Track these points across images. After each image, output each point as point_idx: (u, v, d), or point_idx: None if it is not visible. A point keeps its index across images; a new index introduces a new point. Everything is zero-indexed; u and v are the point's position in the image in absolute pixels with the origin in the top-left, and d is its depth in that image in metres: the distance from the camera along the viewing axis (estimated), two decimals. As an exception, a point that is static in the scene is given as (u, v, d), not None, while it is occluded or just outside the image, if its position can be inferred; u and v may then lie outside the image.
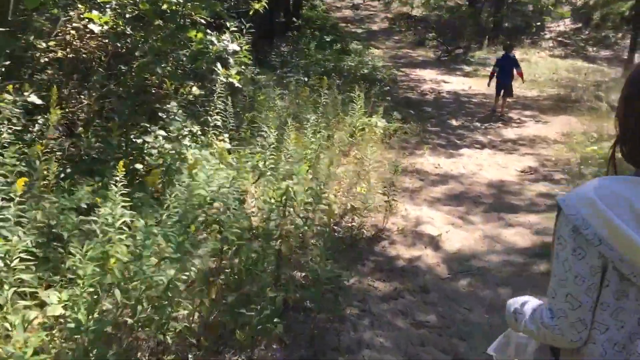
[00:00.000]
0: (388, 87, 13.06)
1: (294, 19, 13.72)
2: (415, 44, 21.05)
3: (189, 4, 5.36)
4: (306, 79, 11.64)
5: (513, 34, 21.94)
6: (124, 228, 3.16)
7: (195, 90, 6.24)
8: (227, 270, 3.73)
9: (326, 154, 6.59)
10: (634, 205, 1.16)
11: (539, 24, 21.53)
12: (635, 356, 1.22)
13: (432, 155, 8.09)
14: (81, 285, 2.83)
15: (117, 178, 3.16)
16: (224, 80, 5.96)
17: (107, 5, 5.24)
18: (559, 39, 22.26)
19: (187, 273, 3.19)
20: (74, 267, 2.97)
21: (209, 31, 5.77)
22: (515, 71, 11.09)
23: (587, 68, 18.45)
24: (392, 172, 6.01)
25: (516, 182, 7.11)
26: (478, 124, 10.44)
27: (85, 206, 3.82)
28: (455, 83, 15.16)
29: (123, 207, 3.25)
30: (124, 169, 3.23)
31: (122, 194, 3.20)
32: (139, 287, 2.96)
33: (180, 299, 3.10)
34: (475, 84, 15.23)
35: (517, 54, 20.13)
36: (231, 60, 5.26)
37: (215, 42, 5.01)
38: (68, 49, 5.73)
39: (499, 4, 20.49)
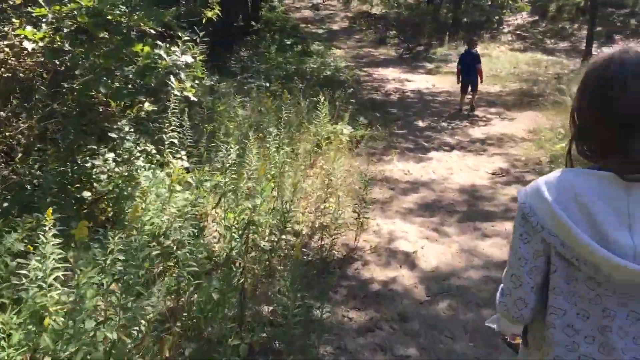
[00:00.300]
0: (352, 89, 12.74)
1: (253, 22, 13.22)
2: (376, 43, 20.81)
3: (135, 15, 4.90)
4: (268, 84, 11.23)
5: (472, 29, 21.88)
6: (57, 285, 2.71)
7: (147, 106, 5.78)
8: (184, 314, 3.31)
9: (292, 168, 6.22)
10: (579, 196, 1.20)
11: (497, 18, 21.52)
12: (616, 353, 1.21)
13: (401, 161, 7.77)
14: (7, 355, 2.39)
15: (50, 220, 2.72)
16: (179, 94, 5.53)
17: (43, 20, 4.75)
18: (518, 32, 22.29)
19: (135, 328, 2.77)
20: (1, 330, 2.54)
21: (159, 43, 5.32)
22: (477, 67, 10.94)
23: (546, 60, 18.47)
24: (361, 184, 5.66)
25: (488, 185, 6.84)
26: (445, 124, 10.18)
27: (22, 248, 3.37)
28: (418, 81, 14.93)
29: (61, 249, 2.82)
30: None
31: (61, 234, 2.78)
32: (77, 350, 2.53)
33: (128, 361, 2.68)
34: (439, 82, 15.03)
35: (478, 49, 20.12)
36: (182, 75, 4.80)
37: (165, 55, 4.55)
38: (3, 68, 5.21)
39: (458, 0, 20.38)
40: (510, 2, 11.34)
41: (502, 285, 1.46)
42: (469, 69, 10.82)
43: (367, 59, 18.42)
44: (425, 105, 11.89)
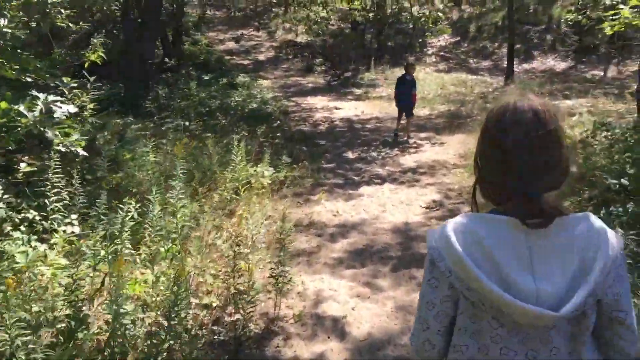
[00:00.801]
0: (279, 122, 12.10)
1: (166, 60, 12.34)
2: (304, 71, 20.35)
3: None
4: (187, 123, 10.42)
5: (397, 53, 21.83)
6: None
7: (25, 167, 4.90)
8: None
9: (203, 223, 5.46)
10: (483, 241, 1.22)
11: (420, 41, 21.55)
12: None
13: (330, 200, 7.12)
14: None
15: None
16: (63, 149, 4.68)
17: None
18: (441, 53, 22.40)
19: None
20: None
21: (36, 94, 4.48)
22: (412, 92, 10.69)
23: (471, 80, 18.50)
24: (284, 234, 4.95)
25: (423, 222, 6.27)
26: (375, 154, 9.65)
27: None
28: (347, 109, 14.48)
29: None
30: None
31: None
32: None
33: None
34: (368, 107, 14.63)
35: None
36: (50, 133, 3.98)
37: (25, 112, 3.73)
38: None
39: (381, 25, 20.25)
40: (431, 25, 11.06)
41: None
42: (405, 94, 10.52)
43: (295, 88, 17.89)
44: (354, 134, 11.37)
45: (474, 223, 1.26)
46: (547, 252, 1.21)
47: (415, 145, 10.22)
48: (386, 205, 6.87)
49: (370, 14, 17.66)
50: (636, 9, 9.11)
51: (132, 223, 4.54)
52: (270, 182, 6.84)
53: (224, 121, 11.14)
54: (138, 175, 6.81)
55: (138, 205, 4.76)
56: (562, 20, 21.56)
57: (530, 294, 1.18)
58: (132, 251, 4.52)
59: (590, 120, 10.46)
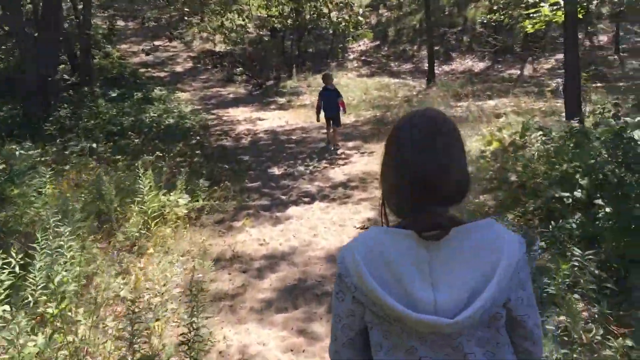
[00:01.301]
0: (197, 138, 11.20)
1: (65, 76, 11.07)
2: (224, 81, 19.41)
3: None
4: (95, 145, 9.33)
5: (318, 59, 21.32)
6: None
7: None
8: None
9: (105, 267, 4.57)
10: (385, 255, 1.22)
11: (341, 46, 21.15)
12: None
13: (256, 226, 6.36)
14: None
15: None
16: None
17: None
18: (362, 58, 22.11)
19: None
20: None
21: None
22: (338, 101, 10.14)
23: (394, 83, 18.24)
24: (200, 280, 4.17)
25: (359, 245, 5.64)
26: (302, 168, 8.95)
27: None
28: (271, 119, 13.74)
29: None
30: None
31: None
32: None
33: None
34: (292, 117, 13.96)
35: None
36: None
37: None
38: None
39: (300, 32, 19.66)
40: (352, 29, 10.56)
41: None
42: (330, 105, 10.03)
43: (216, 99, 16.95)
44: (279, 147, 10.65)
45: (379, 237, 1.26)
46: (447, 262, 1.21)
47: (343, 155, 9.62)
48: (317, 228, 6.19)
49: (289, 21, 17.03)
50: (556, 7, 8.96)
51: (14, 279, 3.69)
52: (186, 211, 6.00)
53: (137, 140, 10.12)
54: (30, 212, 5.81)
55: (21, 255, 3.88)
56: (478, 22, 21.81)
57: (429, 305, 1.18)
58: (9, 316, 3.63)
59: (517, 121, 10.27)
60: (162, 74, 19.66)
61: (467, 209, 6.15)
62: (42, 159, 8.45)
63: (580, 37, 19.51)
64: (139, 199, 5.61)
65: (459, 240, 1.22)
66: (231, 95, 17.55)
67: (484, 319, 1.19)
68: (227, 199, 7.20)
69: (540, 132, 8.05)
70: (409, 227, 1.25)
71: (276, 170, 8.94)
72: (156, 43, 21.33)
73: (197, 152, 9.79)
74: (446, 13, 23.11)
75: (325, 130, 10.62)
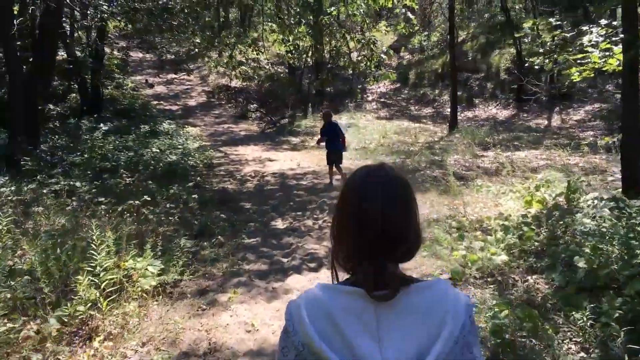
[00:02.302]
0: (198, 179, 9.93)
1: (51, 106, 9.83)
2: (237, 117, 18.33)
3: None
4: (78, 184, 8.09)
5: (337, 99, 20.22)
6: None
7: None
8: None
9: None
10: (332, 314, 1.17)
11: (360, 87, 20.05)
12: None
13: (246, 301, 4.97)
14: None
15: None
16: None
17: None
18: (382, 100, 20.98)
19: None
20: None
21: None
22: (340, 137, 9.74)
23: (414, 128, 17.00)
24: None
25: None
26: (311, 222, 7.61)
27: None
28: (282, 160, 12.50)
29: None
30: None
31: None
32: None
33: None
34: (305, 159, 12.70)
35: (344, 119, 18.34)
36: None
37: None
38: None
39: (319, 70, 18.61)
40: (373, 69, 9.42)
41: None
42: (333, 140, 9.65)
43: (226, 136, 15.80)
44: (287, 194, 9.33)
45: (326, 295, 1.19)
46: (395, 321, 1.15)
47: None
48: (323, 310, 4.79)
49: (307, 57, 16.00)
50: (608, 54, 7.67)
51: None
52: (155, 284, 4.63)
53: (129, 180, 8.87)
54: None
55: None
56: (503, 68, 20.64)
57: None
58: None
59: (556, 178, 8.91)
60: (175, 108, 18.64)
61: (514, 294, 4.74)
62: (13, 197, 7.20)
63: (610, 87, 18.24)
64: (90, 268, 4.25)
65: (407, 299, 1.17)
66: (243, 133, 16.40)
67: None
68: (217, 260, 5.84)
69: (594, 197, 6.67)
70: (358, 284, 1.19)
71: (280, 223, 7.59)
72: (171, 76, 20.39)
73: (193, 196, 8.50)
74: (469, 58, 21.99)
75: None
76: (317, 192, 9.38)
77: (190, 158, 11.65)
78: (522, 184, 8.86)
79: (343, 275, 1.27)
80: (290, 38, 10.66)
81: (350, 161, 12.38)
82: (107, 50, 19.17)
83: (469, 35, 23.72)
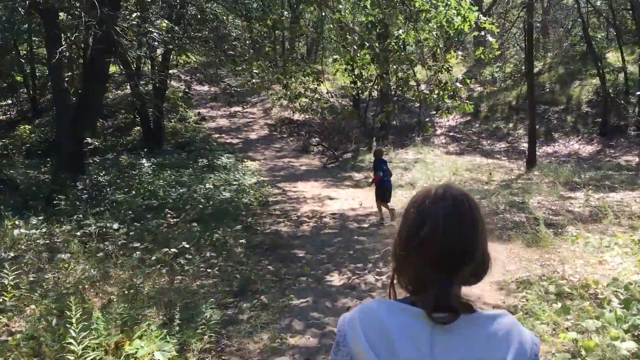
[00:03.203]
0: (249, 220, 8.86)
1: (88, 139, 9.04)
2: (298, 151, 17.36)
3: None
4: (116, 226, 7.19)
5: (403, 133, 18.92)
6: None
7: None
8: None
9: None
10: (387, 331, 1.10)
11: (428, 120, 18.68)
12: None
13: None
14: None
15: None
16: None
17: None
18: (451, 133, 19.46)
19: None
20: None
21: None
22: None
23: (487, 164, 15.37)
24: None
25: None
26: (373, 278, 6.30)
27: None
28: (343, 199, 11.28)
29: None
30: None
31: None
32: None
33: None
34: (368, 198, 11.40)
35: (411, 153, 16.97)
36: None
37: None
38: None
39: (384, 101, 17.43)
40: (447, 100, 8.13)
41: None
42: (385, 174, 9.22)
43: (286, 171, 14.80)
44: (347, 240, 8.07)
45: (382, 310, 1.13)
46: (450, 348, 1.08)
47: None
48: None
49: (372, 87, 14.89)
50: None
51: None
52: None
53: (173, 220, 7.92)
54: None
55: None
56: (585, 100, 18.70)
57: None
58: None
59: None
60: (235, 141, 17.93)
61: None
62: (40, 241, 6.36)
63: None
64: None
65: (468, 328, 1.10)
66: (303, 167, 15.36)
67: None
68: (254, 332, 4.64)
69: None
70: (418, 305, 1.13)
71: (336, 278, 6.32)
72: (234, 109, 19.80)
73: (241, 240, 7.41)
74: (547, 90, 20.16)
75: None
76: (380, 238, 8.07)
77: (244, 195, 10.66)
78: (630, 235, 7.19)
79: (401, 294, 1.21)
80: (354, 66, 9.58)
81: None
82: (174, 84, 18.94)
83: (545, 66, 21.89)
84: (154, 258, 6.08)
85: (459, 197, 1.17)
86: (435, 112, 17.22)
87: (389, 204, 9.09)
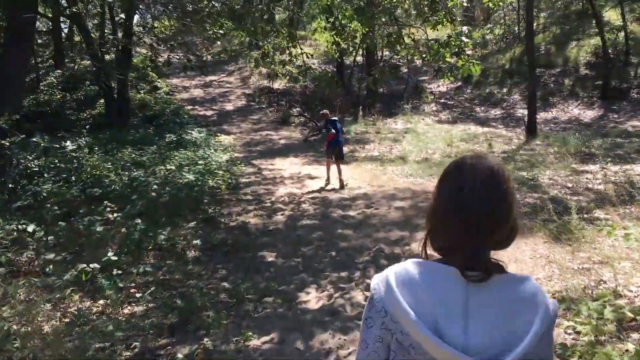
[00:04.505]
0: (210, 210, 7.14)
1: (16, 116, 7.14)
2: (278, 123, 15.52)
3: None
4: (30, 229, 5.42)
5: (392, 101, 17.12)
6: None
7: None
8: None
9: None
10: (421, 288, 1.10)
11: (415, 86, 16.86)
12: None
13: None
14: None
15: None
16: None
17: None
18: (442, 100, 17.70)
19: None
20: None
21: None
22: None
23: (484, 133, 13.67)
24: None
25: None
26: (361, 296, 4.63)
27: None
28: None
29: None
30: None
31: None
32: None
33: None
34: (355, 176, 9.72)
35: (400, 123, 15.23)
36: None
37: None
38: None
39: (371, 66, 15.55)
40: (449, 60, 6.38)
41: None
42: (336, 136, 8.90)
43: (263, 145, 13.00)
44: (329, 235, 6.37)
45: (416, 270, 1.13)
46: (483, 307, 1.08)
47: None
48: None
49: (358, 50, 13.05)
50: None
51: None
52: None
53: (113, 216, 6.15)
54: None
55: None
56: (583, 62, 16.97)
57: (457, 345, 1.06)
58: None
59: None
60: (210, 113, 16.02)
61: None
62: None
63: None
64: None
65: (499, 288, 1.10)
66: (282, 141, 13.56)
67: None
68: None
69: None
70: (451, 265, 1.12)
71: (313, 297, 4.64)
72: (209, 78, 17.79)
73: (195, 241, 5.70)
74: (542, 52, 18.38)
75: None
76: (371, 230, 6.40)
77: (211, 177, 8.89)
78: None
79: (432, 256, 1.19)
80: (335, 23, 7.76)
81: (412, 178, 9.33)
82: (142, 50, 16.90)
83: (539, 27, 20.04)
84: (66, 277, 4.36)
85: (495, 166, 1.16)
86: (435, 72, 15.36)
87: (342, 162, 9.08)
